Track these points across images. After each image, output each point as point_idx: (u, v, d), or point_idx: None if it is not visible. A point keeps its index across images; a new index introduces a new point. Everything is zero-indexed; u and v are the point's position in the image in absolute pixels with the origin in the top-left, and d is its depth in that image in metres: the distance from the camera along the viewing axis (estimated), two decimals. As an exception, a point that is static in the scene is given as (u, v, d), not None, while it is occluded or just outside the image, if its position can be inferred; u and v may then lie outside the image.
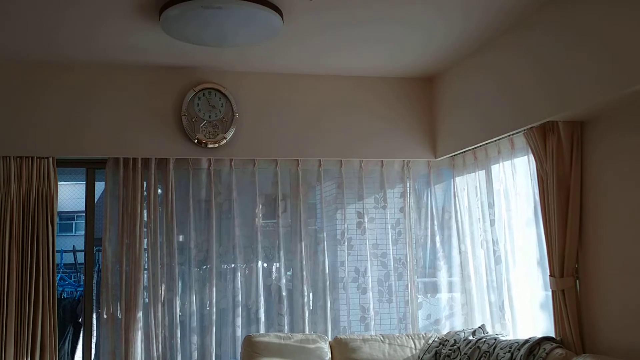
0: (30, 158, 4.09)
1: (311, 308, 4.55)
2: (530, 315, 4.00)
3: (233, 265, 4.46)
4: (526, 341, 3.52)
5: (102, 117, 4.27)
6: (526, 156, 3.91)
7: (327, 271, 4.58)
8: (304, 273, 4.52)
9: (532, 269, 3.95)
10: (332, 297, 4.59)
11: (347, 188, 4.70)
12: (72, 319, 5.62)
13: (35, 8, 3.33)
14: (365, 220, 4.71)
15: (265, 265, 4.55)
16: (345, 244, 4.66)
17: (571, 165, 3.50)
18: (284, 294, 4.50)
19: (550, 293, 3.60)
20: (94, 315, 4.36)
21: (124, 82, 4.33)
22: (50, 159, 4.13)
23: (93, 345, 4.33)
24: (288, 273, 4.58)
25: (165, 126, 4.35)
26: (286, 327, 4.46)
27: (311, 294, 4.57)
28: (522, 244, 4.06)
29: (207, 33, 3.52)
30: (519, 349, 3.49)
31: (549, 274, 3.58)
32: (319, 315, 4.55)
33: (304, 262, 4.53)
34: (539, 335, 3.58)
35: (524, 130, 3.70)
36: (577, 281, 3.50)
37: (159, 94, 4.37)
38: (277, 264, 4.55)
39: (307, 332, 4.42)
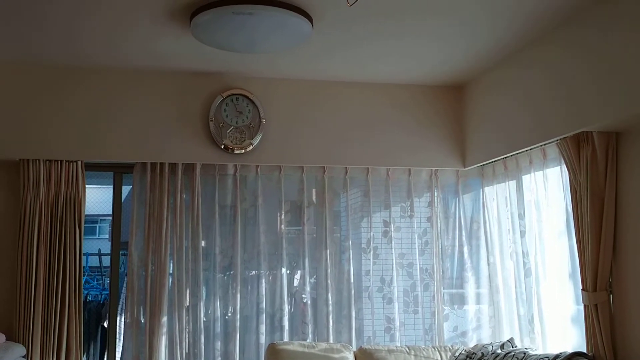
0: (59, 162, 4.12)
1: (335, 317, 4.51)
2: (560, 329, 3.90)
3: (257, 271, 4.44)
4: (557, 356, 3.43)
5: (130, 122, 4.28)
6: (559, 167, 3.83)
7: (352, 280, 4.53)
8: (329, 281, 4.48)
9: (564, 282, 3.86)
10: (357, 306, 4.53)
11: (373, 196, 4.65)
12: (97, 322, 5.64)
13: (65, 14, 3.36)
14: (392, 229, 4.65)
15: (289, 272, 4.52)
16: (371, 252, 4.61)
17: (606, 177, 3.41)
18: (309, 302, 4.46)
19: (582, 307, 3.51)
20: (119, 319, 4.36)
21: (152, 87, 4.35)
22: (79, 163, 4.16)
23: (118, 349, 4.33)
24: (312, 280, 4.54)
25: (192, 131, 4.36)
26: (310, 335, 4.42)
27: (335, 303, 4.53)
28: (553, 257, 3.97)
29: (237, 39, 3.52)
30: (549, 364, 3.41)
31: (581, 287, 3.49)
32: (343, 324, 4.49)
33: (328, 271, 4.49)
34: (570, 350, 3.48)
35: (557, 140, 3.62)
36: (611, 296, 3.41)
37: (186, 99, 4.38)
38: (302, 272, 4.52)
39: (331, 342, 4.37)
